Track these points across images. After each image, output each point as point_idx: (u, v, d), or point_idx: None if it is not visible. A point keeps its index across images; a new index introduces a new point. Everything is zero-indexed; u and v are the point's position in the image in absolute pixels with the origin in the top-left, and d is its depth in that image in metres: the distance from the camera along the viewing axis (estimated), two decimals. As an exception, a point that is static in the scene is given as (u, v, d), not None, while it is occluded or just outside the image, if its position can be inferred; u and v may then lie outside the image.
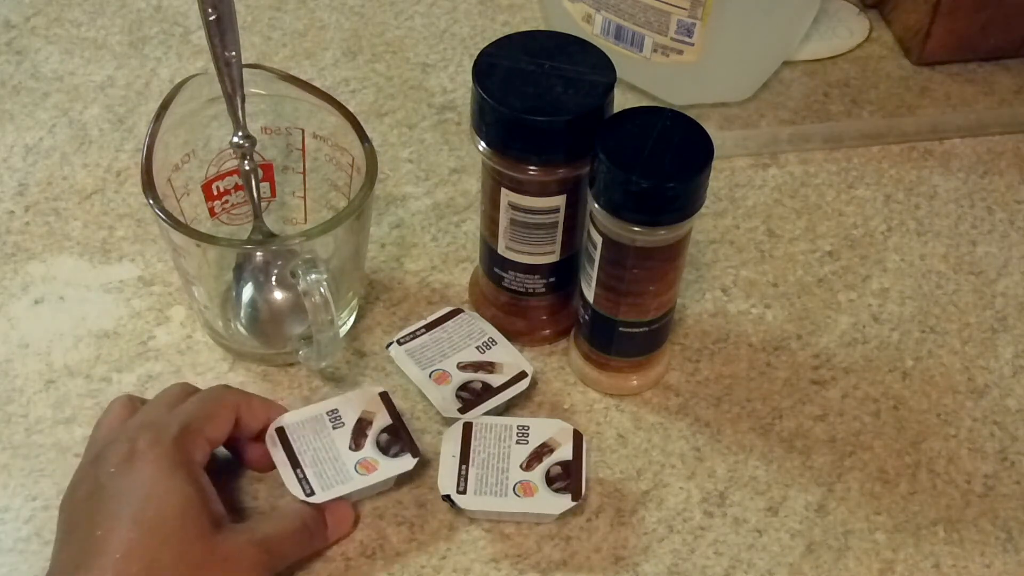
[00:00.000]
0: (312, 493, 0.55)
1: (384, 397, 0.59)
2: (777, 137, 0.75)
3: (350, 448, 0.56)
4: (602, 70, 0.56)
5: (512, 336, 0.63)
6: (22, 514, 0.56)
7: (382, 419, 0.58)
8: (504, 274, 0.62)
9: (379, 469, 0.56)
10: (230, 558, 0.51)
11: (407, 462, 0.56)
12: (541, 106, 0.54)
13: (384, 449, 0.57)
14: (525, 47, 0.56)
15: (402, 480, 0.58)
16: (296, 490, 0.55)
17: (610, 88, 0.55)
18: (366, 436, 0.57)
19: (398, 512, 0.57)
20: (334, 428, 0.57)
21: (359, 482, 0.55)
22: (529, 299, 0.62)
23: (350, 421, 0.58)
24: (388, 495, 0.57)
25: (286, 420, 0.57)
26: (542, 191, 0.57)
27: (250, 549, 0.52)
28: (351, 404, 0.58)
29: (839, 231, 0.71)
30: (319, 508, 0.55)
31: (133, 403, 0.57)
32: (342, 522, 0.56)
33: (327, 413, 0.58)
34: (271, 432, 0.57)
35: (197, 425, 0.54)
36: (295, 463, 0.56)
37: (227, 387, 0.58)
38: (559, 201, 0.57)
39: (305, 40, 0.80)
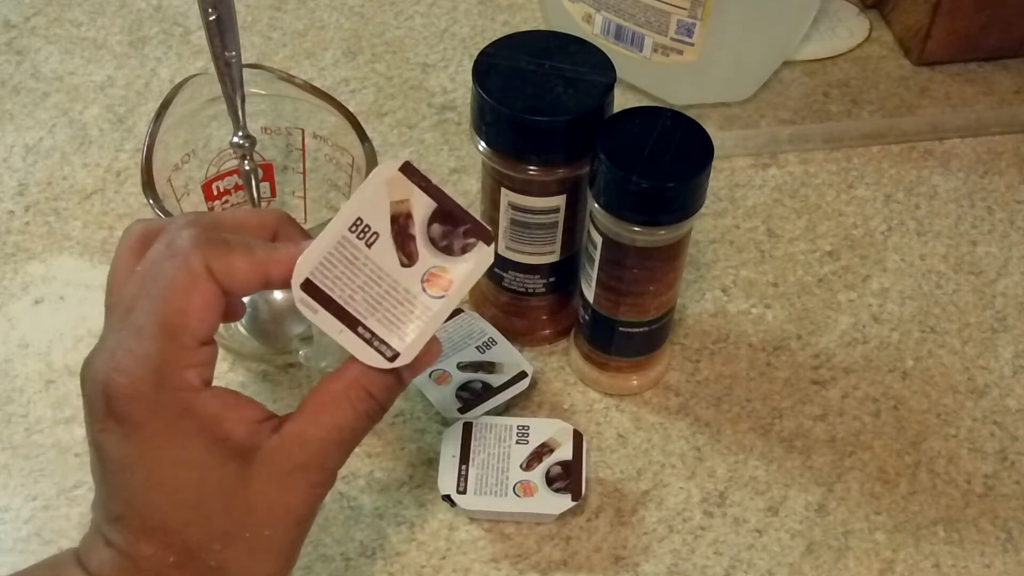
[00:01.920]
0: (395, 354, 0.41)
1: (408, 171, 0.42)
2: (777, 137, 0.75)
3: (402, 264, 0.42)
4: (602, 70, 0.56)
5: (512, 336, 0.63)
6: (22, 514, 0.56)
7: (422, 203, 0.42)
8: (504, 274, 0.62)
9: (455, 281, 0.42)
10: (273, 503, 0.42)
11: (484, 255, 0.42)
12: (541, 106, 0.54)
13: (443, 246, 0.42)
14: (525, 47, 0.56)
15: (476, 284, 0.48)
16: (373, 359, 0.41)
17: (610, 88, 0.55)
18: (413, 238, 0.42)
19: (398, 512, 0.57)
20: (369, 245, 0.42)
21: (440, 309, 0.41)
22: (529, 299, 0.62)
23: (383, 226, 0.42)
24: (388, 494, 0.57)
25: (306, 266, 0.41)
26: (542, 191, 0.57)
27: (299, 479, 0.42)
28: (372, 200, 0.42)
29: (839, 231, 0.71)
30: (393, 369, 0.43)
31: (145, 241, 0.43)
32: (426, 357, 0.43)
33: (351, 229, 0.42)
34: (299, 294, 0.41)
35: (170, 341, 0.41)
36: (350, 321, 0.41)
37: (193, 243, 0.41)
38: (559, 201, 0.57)
39: (305, 40, 0.80)
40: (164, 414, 0.41)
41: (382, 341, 0.41)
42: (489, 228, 0.42)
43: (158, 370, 0.41)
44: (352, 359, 0.43)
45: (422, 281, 0.42)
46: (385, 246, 0.42)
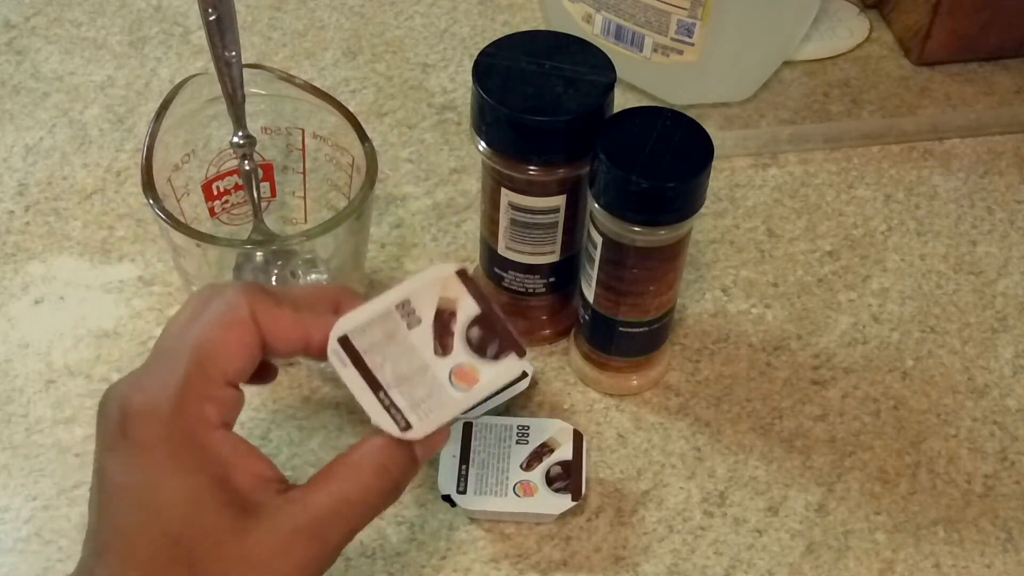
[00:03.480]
0: (408, 426, 0.42)
1: (464, 278, 0.45)
2: (777, 137, 0.75)
3: (436, 353, 0.44)
4: (602, 70, 0.56)
5: (512, 336, 0.63)
6: (22, 514, 0.56)
7: (468, 308, 0.44)
8: (504, 274, 0.62)
9: (481, 380, 0.44)
10: (270, 563, 0.39)
11: (513, 366, 0.44)
12: (541, 106, 0.54)
13: (478, 349, 0.44)
14: (525, 47, 0.56)
15: (514, 399, 0.50)
16: (387, 424, 0.42)
17: (610, 88, 0.55)
18: (452, 333, 0.44)
19: (398, 512, 0.57)
20: (409, 327, 0.44)
21: (461, 401, 0.43)
22: (529, 299, 0.62)
23: (427, 315, 0.44)
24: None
25: (349, 325, 0.43)
26: (542, 191, 0.57)
27: (295, 543, 0.40)
28: (424, 291, 0.45)
29: (839, 231, 0.71)
30: (408, 445, 0.42)
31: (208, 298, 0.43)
32: (437, 443, 0.44)
33: (397, 307, 0.44)
34: (334, 346, 0.43)
35: (198, 369, 0.41)
36: (375, 384, 0.42)
37: (243, 290, 0.42)
38: (559, 201, 0.57)
39: (305, 40, 0.80)
40: (173, 440, 0.40)
41: (399, 411, 0.42)
42: (524, 345, 0.44)
43: (178, 394, 0.40)
44: (368, 436, 0.43)
45: (451, 372, 0.44)
46: (425, 333, 0.44)
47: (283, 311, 0.43)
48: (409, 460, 0.43)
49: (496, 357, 0.44)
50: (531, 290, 0.62)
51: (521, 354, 0.44)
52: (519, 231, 0.59)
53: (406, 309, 0.44)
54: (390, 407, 0.43)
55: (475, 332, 0.44)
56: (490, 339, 0.44)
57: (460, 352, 0.44)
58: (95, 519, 0.41)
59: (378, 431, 0.43)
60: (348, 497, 0.41)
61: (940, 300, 0.68)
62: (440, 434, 0.44)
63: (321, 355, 0.43)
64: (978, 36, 0.79)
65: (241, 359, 0.42)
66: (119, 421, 0.41)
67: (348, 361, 0.43)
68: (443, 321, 0.44)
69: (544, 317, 0.64)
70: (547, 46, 0.57)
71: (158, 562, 0.39)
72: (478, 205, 0.63)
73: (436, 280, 0.45)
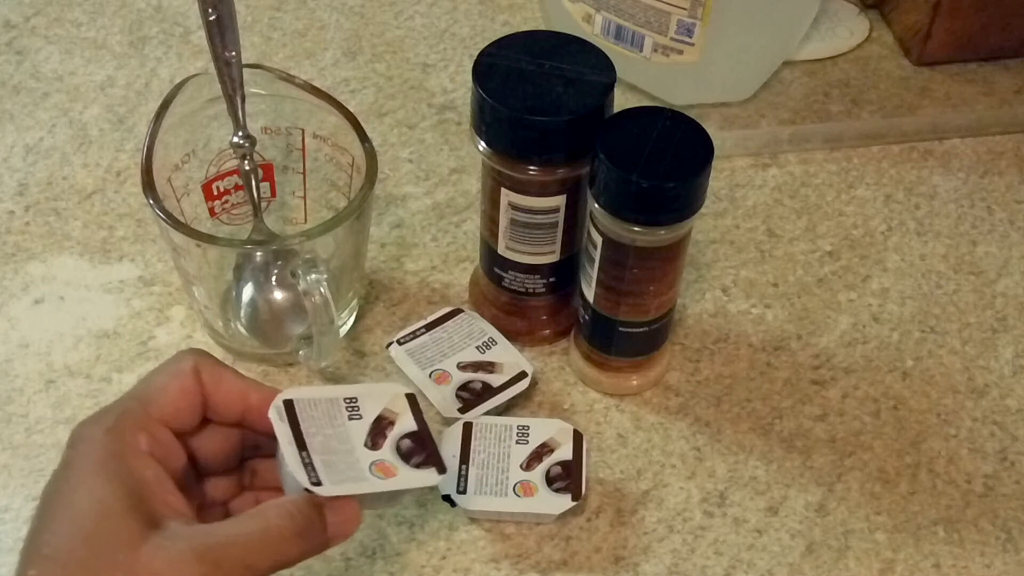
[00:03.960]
0: (319, 483, 0.45)
1: (411, 400, 0.51)
2: (777, 137, 0.75)
3: (366, 446, 0.48)
4: (602, 70, 0.56)
5: (512, 336, 0.63)
6: (22, 514, 0.56)
7: (406, 423, 0.50)
8: (504, 274, 0.62)
9: (398, 476, 0.48)
10: (155, 574, 0.40)
11: (430, 476, 0.48)
12: (541, 106, 0.54)
13: (405, 456, 0.49)
14: (525, 47, 0.56)
15: (419, 498, 0.55)
16: (300, 474, 0.45)
17: (610, 88, 0.55)
18: (385, 437, 0.49)
19: (398, 512, 0.57)
20: (350, 419, 0.49)
21: (375, 484, 0.47)
22: (529, 299, 0.62)
23: (369, 415, 0.49)
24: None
25: (295, 394, 0.48)
26: (542, 191, 0.57)
27: (189, 561, 0.41)
28: (373, 397, 0.50)
29: (839, 231, 0.71)
30: (318, 504, 0.45)
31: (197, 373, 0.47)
32: (348, 522, 0.46)
33: (345, 399, 0.49)
34: (277, 403, 0.47)
35: (139, 405, 0.45)
36: (301, 444, 0.46)
37: (191, 352, 0.47)
38: (559, 201, 0.57)
39: (305, 40, 0.80)
40: (101, 455, 0.43)
41: (315, 471, 0.45)
42: (446, 465, 0.49)
43: (116, 422, 0.44)
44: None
45: (373, 463, 0.47)
46: (362, 428, 0.48)
47: (226, 372, 0.47)
48: (316, 517, 0.44)
49: (418, 466, 0.48)
50: (531, 290, 0.62)
51: (442, 471, 0.48)
52: (519, 231, 0.59)
53: (352, 404, 0.49)
54: (308, 464, 0.45)
55: (406, 443, 0.49)
56: (417, 452, 0.49)
57: (387, 452, 0.48)
58: (30, 529, 0.43)
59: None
60: (250, 531, 0.43)
61: (940, 300, 0.68)
62: (351, 515, 0.46)
63: (259, 418, 0.47)
64: (978, 36, 0.79)
65: (179, 404, 0.46)
66: (67, 447, 0.44)
67: (284, 418, 0.46)
68: (381, 426, 0.49)
69: (544, 317, 0.64)
70: (547, 46, 0.57)
71: (72, 562, 0.41)
72: (478, 205, 0.63)
73: (387, 393, 0.50)
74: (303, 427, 0.47)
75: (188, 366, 0.46)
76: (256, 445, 0.49)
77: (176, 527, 0.42)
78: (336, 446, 0.47)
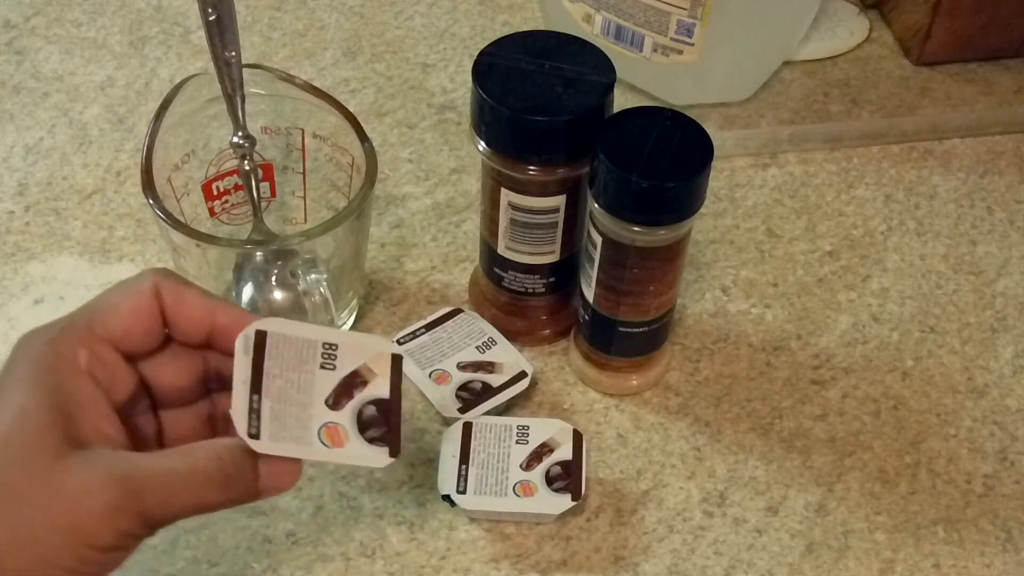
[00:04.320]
0: (257, 436, 0.42)
1: (396, 363, 0.46)
2: (777, 137, 0.75)
3: (327, 402, 0.44)
4: (602, 70, 0.56)
5: (512, 336, 0.63)
6: (22, 514, 0.56)
7: (379, 387, 0.45)
8: (504, 274, 0.62)
9: (346, 447, 0.44)
10: (73, 494, 0.38)
11: (378, 457, 0.44)
12: (541, 106, 0.54)
13: (363, 425, 0.44)
14: (525, 47, 0.56)
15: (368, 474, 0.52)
16: (240, 420, 0.42)
17: (610, 88, 0.55)
18: (352, 397, 0.45)
19: (398, 512, 0.57)
20: (322, 367, 0.44)
21: (315, 451, 0.43)
22: (529, 299, 0.62)
23: (344, 368, 0.45)
24: (388, 494, 0.57)
25: (272, 326, 0.44)
26: (542, 191, 0.57)
27: (105, 486, 0.38)
28: (356, 349, 0.45)
29: (839, 231, 0.71)
30: (252, 454, 0.42)
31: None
32: (283, 475, 0.43)
33: (324, 344, 0.45)
34: (248, 331, 0.43)
35: (85, 318, 0.42)
36: (256, 385, 0.42)
37: (153, 270, 0.44)
38: (559, 201, 0.57)
39: (305, 40, 0.80)
40: (35, 362, 0.41)
41: (259, 420, 0.42)
42: (400, 448, 0.45)
43: (59, 333, 0.42)
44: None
45: (325, 424, 0.44)
46: (330, 380, 0.44)
47: (190, 290, 0.44)
48: (248, 466, 0.42)
49: (371, 441, 0.44)
50: (531, 290, 0.62)
51: (394, 453, 0.45)
52: (519, 231, 0.59)
53: (330, 351, 0.45)
54: (253, 411, 0.42)
55: (370, 410, 0.45)
56: (378, 424, 0.45)
57: (345, 416, 0.44)
58: None
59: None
60: (174, 467, 0.41)
61: (940, 300, 0.68)
62: (288, 472, 0.43)
63: (226, 340, 0.43)
64: (978, 36, 0.79)
65: (130, 324, 0.43)
66: (10, 354, 0.42)
67: (250, 351, 0.43)
68: (352, 383, 0.45)
69: (544, 317, 0.64)
70: (547, 46, 0.57)
71: None
72: (478, 205, 0.63)
73: (373, 348, 0.46)
74: (266, 365, 0.43)
75: (147, 285, 0.43)
76: (220, 375, 0.46)
77: (100, 451, 0.40)
78: (293, 395, 0.43)
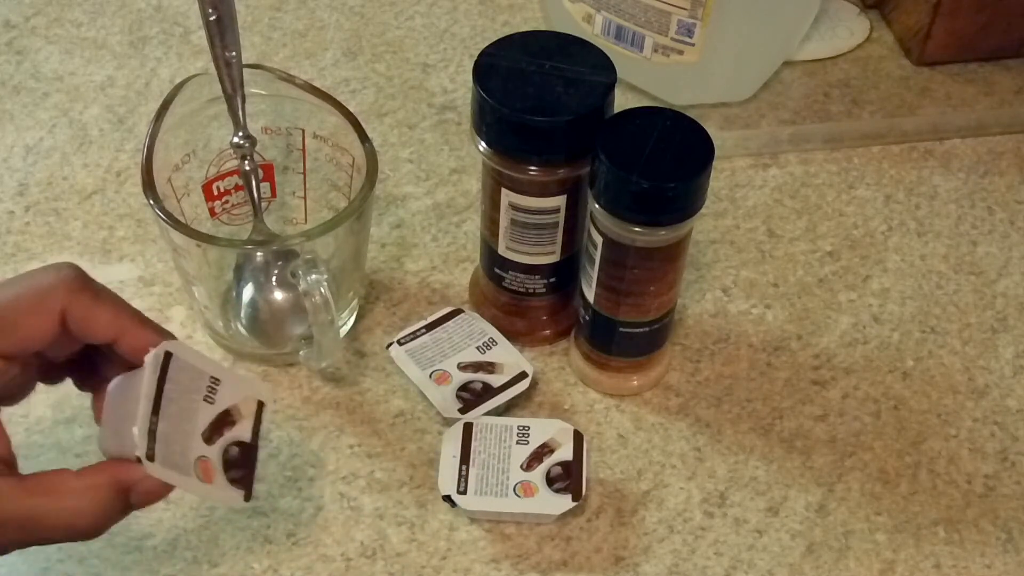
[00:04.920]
0: (152, 458, 0.43)
1: (258, 409, 0.48)
2: (777, 137, 0.75)
3: (203, 435, 0.46)
4: (602, 70, 0.56)
5: (512, 336, 0.63)
6: (22, 514, 0.56)
7: (243, 430, 0.48)
8: (504, 274, 0.62)
9: (214, 483, 0.46)
10: None
11: (235, 497, 0.47)
12: (541, 106, 0.54)
13: (227, 464, 0.47)
14: (525, 47, 0.56)
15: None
16: (142, 440, 0.43)
17: (610, 88, 0.55)
18: (222, 435, 0.47)
19: (398, 512, 0.57)
20: (205, 399, 0.46)
21: (190, 483, 0.45)
22: (529, 299, 0.62)
23: (220, 404, 0.47)
24: (388, 494, 0.57)
25: (177, 349, 0.45)
26: (542, 191, 0.57)
27: None
28: (233, 388, 0.47)
29: (839, 231, 0.71)
30: (124, 489, 0.43)
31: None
32: (153, 494, 0.44)
33: (211, 378, 0.47)
34: (158, 352, 0.44)
35: None
36: (156, 406, 0.44)
37: (66, 281, 0.43)
38: (559, 201, 0.57)
39: (305, 40, 0.80)
40: None
41: (155, 442, 0.43)
42: (252, 493, 0.47)
43: None
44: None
45: (199, 456, 0.45)
46: (208, 414, 0.46)
47: (100, 308, 0.44)
48: (117, 509, 0.43)
49: (232, 481, 0.47)
50: (531, 290, 0.62)
51: (247, 498, 0.47)
52: (519, 231, 0.59)
53: (213, 386, 0.47)
54: (151, 433, 0.43)
55: (234, 451, 0.47)
56: (239, 466, 0.47)
57: (215, 451, 0.46)
58: None
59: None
60: (42, 507, 0.42)
61: (940, 300, 0.68)
62: (161, 489, 0.44)
63: (132, 351, 0.44)
64: (978, 36, 0.79)
65: (27, 345, 0.43)
66: None
67: (158, 371, 0.44)
68: (223, 421, 0.47)
69: (544, 317, 0.64)
70: (547, 46, 0.57)
71: None
72: (478, 205, 0.63)
73: (246, 390, 0.48)
74: (166, 388, 0.44)
75: (55, 306, 0.42)
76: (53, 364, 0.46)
77: None
78: (181, 423, 0.45)
